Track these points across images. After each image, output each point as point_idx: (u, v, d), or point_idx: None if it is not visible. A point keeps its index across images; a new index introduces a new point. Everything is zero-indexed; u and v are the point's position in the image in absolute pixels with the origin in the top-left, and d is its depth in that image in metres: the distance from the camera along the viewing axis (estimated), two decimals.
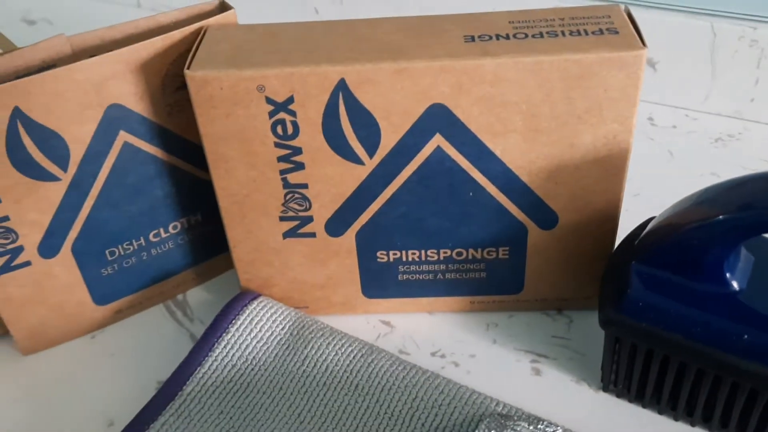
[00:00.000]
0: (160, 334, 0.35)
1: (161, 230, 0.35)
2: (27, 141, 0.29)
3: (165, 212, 0.34)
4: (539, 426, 0.25)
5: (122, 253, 0.34)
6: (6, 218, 0.30)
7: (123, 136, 0.31)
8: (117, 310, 0.36)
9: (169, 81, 0.31)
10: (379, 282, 0.34)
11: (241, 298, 0.33)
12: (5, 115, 0.28)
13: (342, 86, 0.28)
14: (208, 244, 0.37)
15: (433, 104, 0.28)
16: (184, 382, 0.31)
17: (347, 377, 0.30)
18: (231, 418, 0.29)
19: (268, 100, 0.28)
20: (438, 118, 0.28)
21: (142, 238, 0.34)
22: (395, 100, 0.28)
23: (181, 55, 0.31)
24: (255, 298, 0.33)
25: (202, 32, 0.30)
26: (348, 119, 0.28)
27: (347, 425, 0.29)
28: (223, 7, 0.32)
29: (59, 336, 0.35)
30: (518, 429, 0.25)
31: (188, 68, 0.28)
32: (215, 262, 0.38)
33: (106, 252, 0.33)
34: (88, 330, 0.35)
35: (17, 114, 0.28)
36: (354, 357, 0.31)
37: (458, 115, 0.28)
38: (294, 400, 0.30)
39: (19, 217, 0.30)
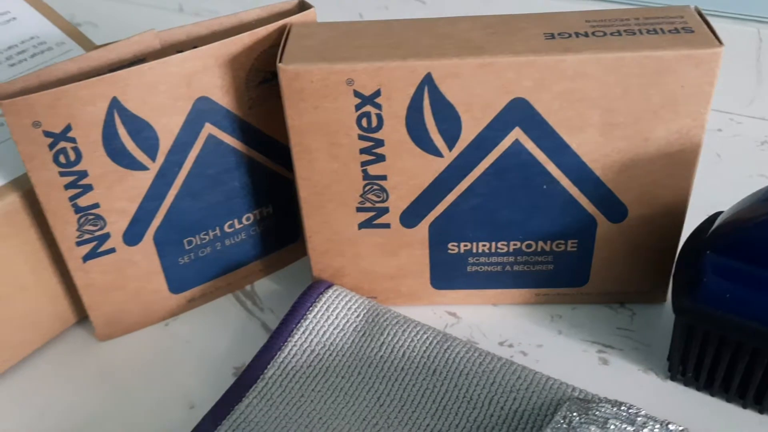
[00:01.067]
0: (231, 323, 0.36)
1: (235, 221, 0.36)
2: (122, 131, 0.30)
3: (240, 203, 0.35)
4: (622, 408, 0.26)
5: (199, 242, 0.35)
6: (96, 205, 0.31)
7: (208, 128, 0.32)
8: (190, 299, 0.37)
9: (253, 76, 0.32)
10: (447, 273, 0.35)
11: (317, 286, 0.34)
12: (104, 106, 0.29)
13: (428, 80, 0.29)
14: (276, 236, 0.38)
15: (515, 98, 0.29)
16: (265, 367, 0.32)
17: (424, 362, 0.31)
18: (312, 401, 0.30)
19: (356, 94, 0.29)
20: (518, 112, 0.29)
21: (217, 228, 0.35)
22: (478, 94, 0.29)
23: (264, 51, 0.32)
24: (329, 286, 0.34)
25: (287, 29, 0.32)
26: (431, 112, 0.30)
27: (426, 408, 0.30)
28: (303, 6, 0.34)
29: (134, 323, 0.36)
30: (602, 410, 0.26)
31: (280, 62, 0.29)
32: (282, 254, 0.39)
33: (184, 241, 0.35)
34: (162, 318, 0.36)
35: (115, 104, 0.29)
36: (430, 343, 0.32)
37: (538, 109, 0.29)
38: (373, 384, 0.31)
39: (108, 204, 0.32)
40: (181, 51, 0.32)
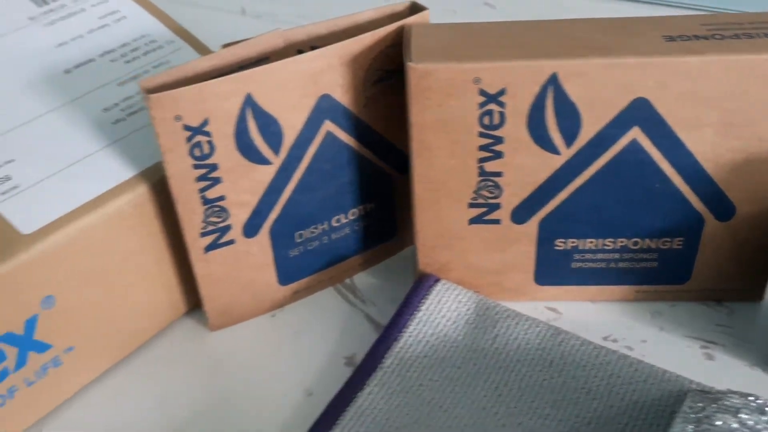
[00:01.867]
0: (335, 314, 0.37)
1: (342, 216, 0.37)
2: (252, 126, 0.31)
3: (348, 199, 0.36)
4: (749, 398, 0.27)
5: (309, 236, 0.36)
6: (222, 198, 0.33)
7: (327, 125, 0.33)
8: (295, 291, 0.38)
9: (370, 75, 0.33)
10: (552, 269, 0.36)
11: (426, 280, 0.35)
12: (239, 101, 0.30)
13: (553, 80, 0.30)
14: (376, 232, 0.39)
15: (637, 98, 0.30)
16: (383, 357, 0.33)
17: (539, 354, 0.32)
18: (430, 389, 0.31)
19: (481, 92, 0.30)
20: (639, 112, 0.30)
21: (326, 222, 0.36)
22: (601, 94, 0.30)
23: (382, 52, 0.33)
24: (437, 280, 0.35)
25: (407, 29, 0.33)
26: (553, 111, 0.31)
27: (545, 399, 0.31)
28: (415, 8, 0.35)
29: (244, 313, 0.37)
30: (731, 400, 0.27)
31: (410, 60, 0.30)
32: (379, 249, 0.40)
33: (296, 234, 0.36)
34: (269, 309, 0.37)
35: (248, 100, 0.31)
36: (543, 337, 0.33)
37: (658, 109, 0.30)
38: (489, 375, 0.32)
39: (233, 197, 0.33)
40: (301, 50, 0.33)
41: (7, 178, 0.31)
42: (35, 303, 0.30)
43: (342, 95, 0.33)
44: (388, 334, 0.33)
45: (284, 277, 0.37)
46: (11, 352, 0.30)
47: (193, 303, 0.37)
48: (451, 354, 0.33)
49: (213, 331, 0.37)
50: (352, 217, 0.37)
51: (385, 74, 0.34)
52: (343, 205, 0.37)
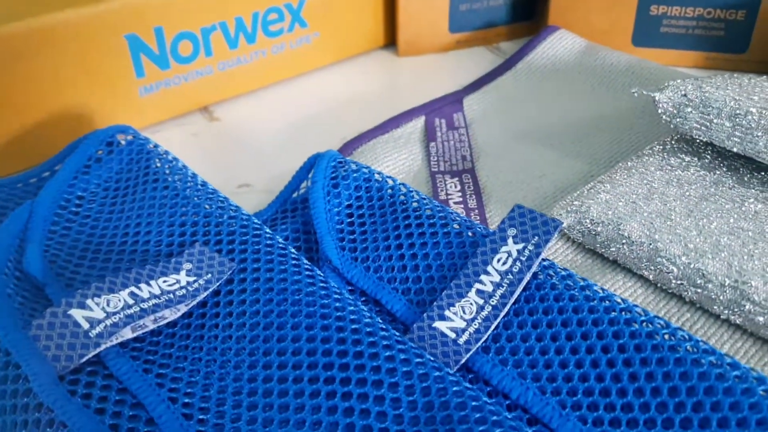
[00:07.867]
0: (485, 60, 0.53)
1: None
2: None
3: None
4: None
5: None
6: None
7: None
8: (457, 41, 0.54)
9: None
10: (646, 32, 0.50)
11: (552, 27, 0.51)
12: None
13: None
14: (522, 9, 0.54)
15: None
16: (519, 59, 0.48)
17: (621, 67, 0.47)
18: (548, 82, 0.47)
19: None
20: None
21: None
22: None
23: None
24: (560, 28, 0.51)
25: None
26: None
27: (605, 105, 0.45)
28: None
29: (423, 48, 0.54)
30: None
31: None
32: (521, 25, 0.55)
33: None
34: (439, 50, 0.54)
35: None
36: (628, 58, 0.47)
37: None
38: (587, 80, 0.47)
39: None
40: None
41: None
42: None
43: None
44: (526, 46, 0.49)
45: (453, 26, 0.53)
46: (288, 18, 0.48)
47: (387, 41, 0.54)
48: (564, 67, 0.48)
49: (401, 56, 0.54)
50: None
51: None
52: None
